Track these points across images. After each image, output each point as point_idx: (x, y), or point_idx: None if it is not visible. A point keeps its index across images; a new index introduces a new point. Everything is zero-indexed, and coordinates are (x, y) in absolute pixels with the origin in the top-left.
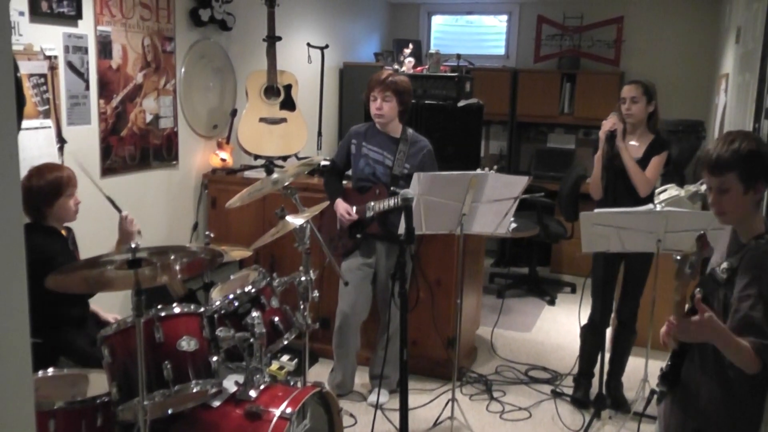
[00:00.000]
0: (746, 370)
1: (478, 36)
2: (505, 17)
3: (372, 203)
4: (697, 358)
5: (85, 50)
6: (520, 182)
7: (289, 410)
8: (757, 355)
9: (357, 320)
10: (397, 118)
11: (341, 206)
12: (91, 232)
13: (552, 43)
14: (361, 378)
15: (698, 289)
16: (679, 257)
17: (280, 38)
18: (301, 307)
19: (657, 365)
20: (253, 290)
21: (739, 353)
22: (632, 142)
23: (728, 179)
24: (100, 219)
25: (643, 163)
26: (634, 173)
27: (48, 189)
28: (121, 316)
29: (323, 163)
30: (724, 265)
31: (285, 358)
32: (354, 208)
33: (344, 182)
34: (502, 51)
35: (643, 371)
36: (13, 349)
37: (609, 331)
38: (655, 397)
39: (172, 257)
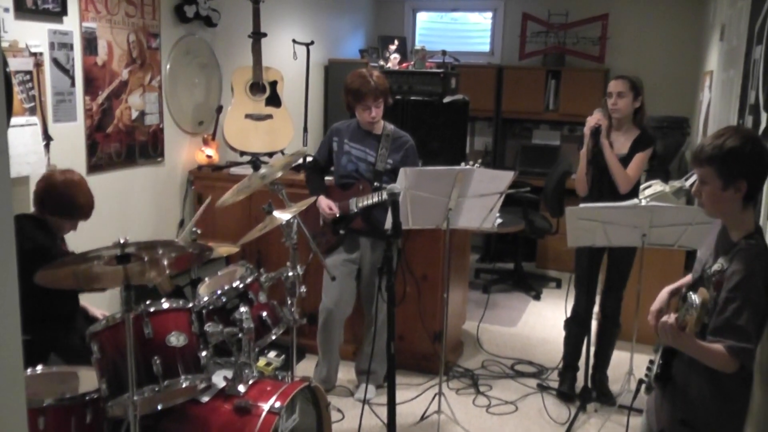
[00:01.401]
0: (722, 370)
1: (463, 33)
2: (489, 14)
3: (355, 199)
4: (687, 355)
5: (71, 47)
6: (506, 177)
7: (278, 405)
8: (734, 357)
9: (341, 316)
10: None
11: (323, 202)
12: (81, 229)
13: (537, 40)
14: (348, 373)
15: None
16: (698, 301)
17: (265, 34)
18: (289, 302)
19: (642, 358)
20: (240, 286)
21: (709, 358)
22: (618, 138)
23: (707, 173)
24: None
25: (628, 158)
26: (616, 170)
27: (60, 203)
28: (109, 313)
29: (309, 158)
30: (716, 266)
31: (272, 354)
32: (337, 204)
33: (327, 178)
34: (487, 48)
35: (628, 364)
36: (4, 346)
37: (594, 325)
38: (644, 387)
39: (161, 252)
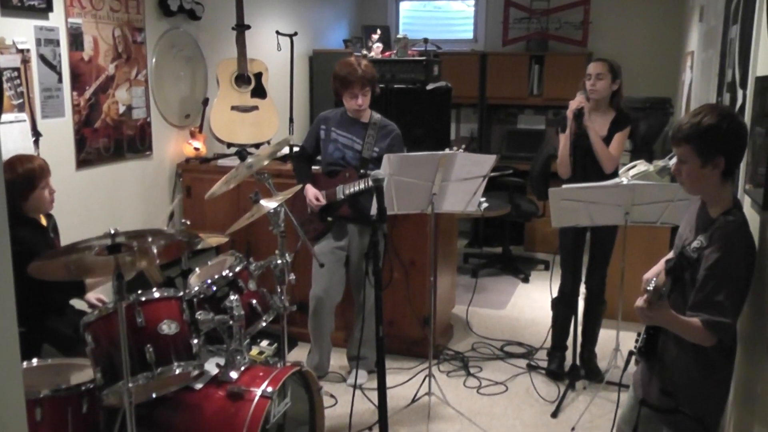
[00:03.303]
0: (701, 343)
1: (446, 21)
2: (472, 1)
3: (342, 186)
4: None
5: (57, 43)
6: (489, 161)
7: (269, 389)
8: (711, 331)
9: (331, 303)
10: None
11: (310, 191)
12: (69, 222)
13: (520, 26)
14: (340, 360)
15: (668, 266)
16: (651, 287)
17: (248, 26)
18: (278, 290)
19: (628, 335)
20: (230, 274)
21: (688, 333)
22: (596, 120)
23: (685, 151)
24: (77, 208)
25: (607, 140)
26: (601, 151)
27: (21, 182)
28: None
29: (295, 148)
30: (695, 243)
31: (264, 342)
32: (324, 192)
33: (314, 167)
34: (470, 35)
35: (614, 341)
36: (2, 339)
37: (581, 305)
38: (634, 359)
39: (150, 240)
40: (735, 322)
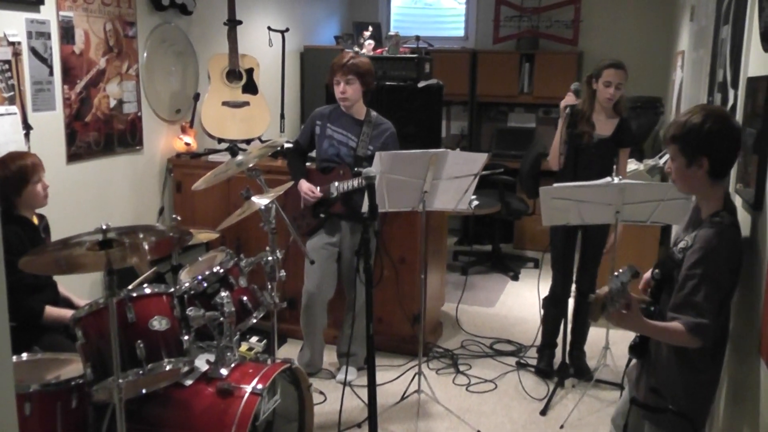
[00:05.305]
0: (684, 345)
1: (438, 18)
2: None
3: (336, 183)
4: None
5: (48, 36)
6: (480, 159)
7: (259, 386)
8: (692, 334)
9: (323, 299)
10: (361, 99)
11: (304, 185)
12: (59, 216)
13: (511, 24)
14: (329, 356)
15: (656, 270)
16: (592, 297)
17: (240, 22)
18: (269, 286)
19: (617, 334)
20: (221, 271)
21: (667, 337)
22: (600, 118)
23: (672, 150)
24: (67, 203)
25: (612, 140)
26: None
27: (14, 178)
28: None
29: (286, 145)
30: (681, 244)
31: (254, 339)
32: (318, 188)
33: (308, 164)
34: (461, 33)
35: (604, 340)
36: None
37: (571, 302)
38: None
39: (141, 236)
40: (714, 324)
